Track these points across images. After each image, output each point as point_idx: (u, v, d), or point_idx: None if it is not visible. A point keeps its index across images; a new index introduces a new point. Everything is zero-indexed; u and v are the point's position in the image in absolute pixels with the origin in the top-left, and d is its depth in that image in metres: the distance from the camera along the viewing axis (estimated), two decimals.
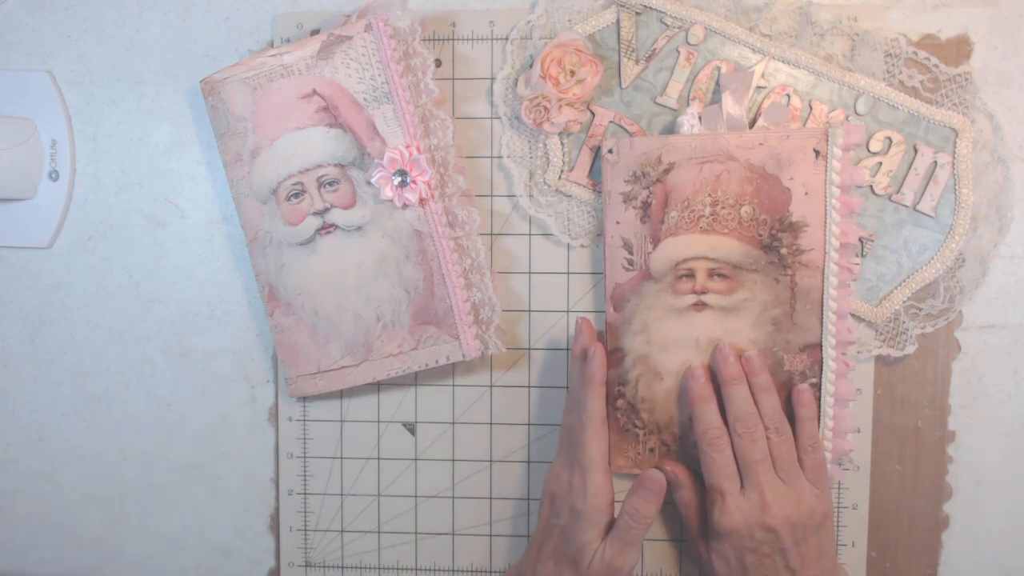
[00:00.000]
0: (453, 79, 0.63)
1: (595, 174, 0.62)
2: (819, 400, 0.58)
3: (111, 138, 0.67)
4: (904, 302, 0.60)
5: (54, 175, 0.67)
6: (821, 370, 0.58)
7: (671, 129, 0.61)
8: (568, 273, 0.64)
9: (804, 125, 0.60)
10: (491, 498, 0.66)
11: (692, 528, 0.59)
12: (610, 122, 0.62)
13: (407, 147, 0.60)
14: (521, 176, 0.63)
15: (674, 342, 0.59)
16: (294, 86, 0.61)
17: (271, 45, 0.64)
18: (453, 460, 0.66)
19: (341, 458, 0.67)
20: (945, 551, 0.63)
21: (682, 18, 0.60)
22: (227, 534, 0.69)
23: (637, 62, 0.61)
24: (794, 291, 0.58)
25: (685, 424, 0.60)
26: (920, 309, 0.60)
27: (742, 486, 0.56)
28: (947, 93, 0.59)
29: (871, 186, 0.60)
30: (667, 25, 0.60)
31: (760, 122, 0.59)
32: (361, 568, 0.67)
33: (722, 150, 0.58)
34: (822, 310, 0.58)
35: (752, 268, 0.58)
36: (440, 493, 0.66)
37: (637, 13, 0.61)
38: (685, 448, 0.61)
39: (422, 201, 0.61)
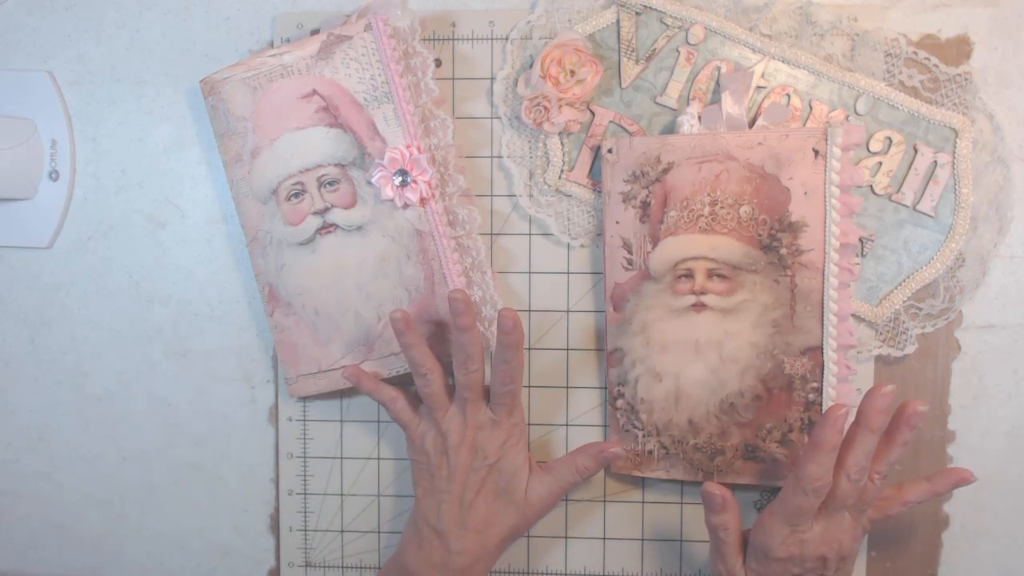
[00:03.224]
0: (453, 79, 0.63)
1: (595, 174, 0.62)
2: (820, 406, 0.58)
3: (111, 138, 0.67)
4: (904, 302, 0.60)
5: (54, 175, 0.67)
6: (822, 374, 0.58)
7: (671, 129, 0.61)
8: (568, 273, 0.64)
9: (804, 125, 0.60)
10: None
11: (728, 549, 0.57)
12: (610, 122, 0.62)
13: (407, 147, 0.60)
14: (521, 176, 0.63)
15: (673, 343, 0.59)
16: (294, 86, 0.61)
17: (271, 45, 0.64)
18: None
19: (341, 458, 0.67)
20: (945, 551, 0.63)
21: (682, 18, 0.60)
22: (227, 534, 0.69)
23: (637, 62, 0.61)
24: (794, 292, 0.58)
25: (684, 427, 0.60)
26: (920, 309, 0.60)
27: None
28: (947, 93, 0.59)
29: (871, 186, 0.60)
30: (667, 25, 0.60)
31: (760, 122, 0.59)
32: (361, 568, 0.67)
33: (721, 150, 0.58)
34: (822, 312, 0.57)
35: (752, 269, 0.58)
36: None
37: (637, 13, 0.61)
38: (685, 451, 0.60)
39: (423, 200, 0.61)
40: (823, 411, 0.58)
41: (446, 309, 0.62)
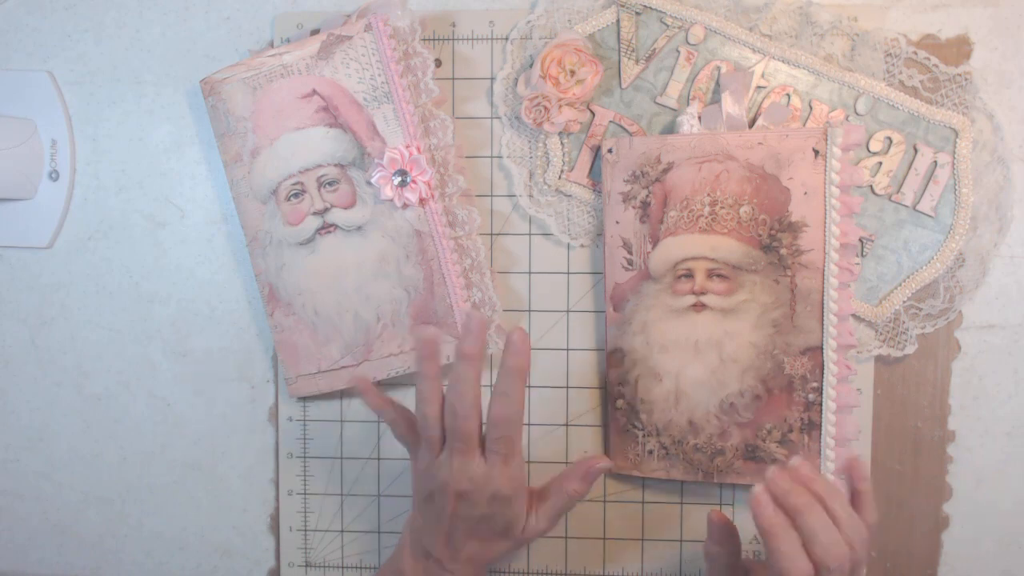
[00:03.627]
0: (453, 79, 0.63)
1: (595, 174, 0.62)
2: (820, 406, 0.58)
3: (111, 138, 0.67)
4: (904, 302, 0.60)
5: (54, 175, 0.67)
6: (822, 374, 0.58)
7: (671, 129, 0.61)
8: (568, 273, 0.64)
9: (804, 125, 0.60)
10: None
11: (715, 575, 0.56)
12: (610, 122, 0.62)
13: (407, 147, 0.60)
14: (521, 176, 0.63)
15: (673, 343, 0.59)
16: (294, 86, 0.61)
17: (271, 45, 0.64)
18: None
19: (341, 458, 0.67)
20: (945, 551, 0.63)
21: (682, 18, 0.60)
22: (227, 534, 0.69)
23: (637, 62, 0.61)
24: (794, 292, 0.58)
25: (684, 427, 0.60)
26: (920, 309, 0.60)
27: None
28: (947, 93, 0.59)
29: (871, 186, 0.60)
30: (667, 25, 0.60)
31: (760, 122, 0.59)
32: (361, 568, 0.67)
33: (721, 150, 0.58)
34: (822, 312, 0.57)
35: (752, 269, 0.58)
36: None
37: (637, 13, 0.61)
38: (685, 452, 0.60)
39: (422, 201, 0.61)
40: (823, 411, 0.58)
41: (445, 310, 0.62)
